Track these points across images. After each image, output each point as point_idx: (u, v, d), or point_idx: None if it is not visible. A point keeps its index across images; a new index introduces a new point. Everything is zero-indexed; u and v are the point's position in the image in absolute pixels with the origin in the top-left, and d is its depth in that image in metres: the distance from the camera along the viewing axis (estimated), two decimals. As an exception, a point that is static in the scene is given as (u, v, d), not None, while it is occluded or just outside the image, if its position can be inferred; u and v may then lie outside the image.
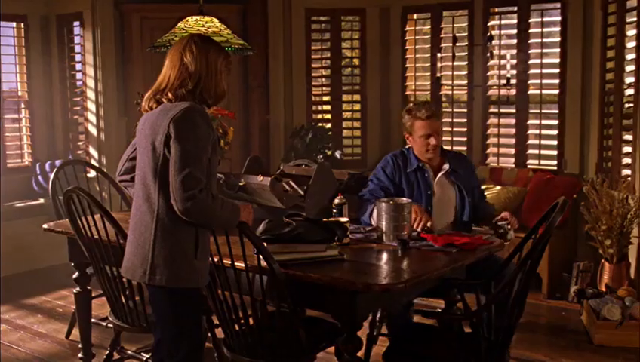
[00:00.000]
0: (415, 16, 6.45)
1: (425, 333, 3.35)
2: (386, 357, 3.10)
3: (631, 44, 5.03)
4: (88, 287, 3.91)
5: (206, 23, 3.63)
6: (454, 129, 6.30)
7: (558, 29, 5.75)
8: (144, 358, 3.68)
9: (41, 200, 6.45)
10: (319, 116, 6.78)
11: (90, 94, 6.51)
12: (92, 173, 5.58)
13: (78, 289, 3.91)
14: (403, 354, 3.11)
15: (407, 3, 6.41)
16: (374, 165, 6.71)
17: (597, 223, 4.90)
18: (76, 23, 6.56)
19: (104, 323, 4.31)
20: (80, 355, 3.94)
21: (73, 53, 6.68)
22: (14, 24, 6.57)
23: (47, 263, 6.12)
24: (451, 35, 6.11)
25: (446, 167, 3.85)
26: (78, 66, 6.64)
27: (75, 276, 3.90)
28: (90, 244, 3.42)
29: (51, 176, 4.60)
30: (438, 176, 3.85)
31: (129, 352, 3.77)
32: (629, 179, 5.03)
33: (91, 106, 6.53)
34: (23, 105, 6.70)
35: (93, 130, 6.55)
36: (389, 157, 3.95)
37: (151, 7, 6.47)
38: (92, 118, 6.53)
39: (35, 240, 5.94)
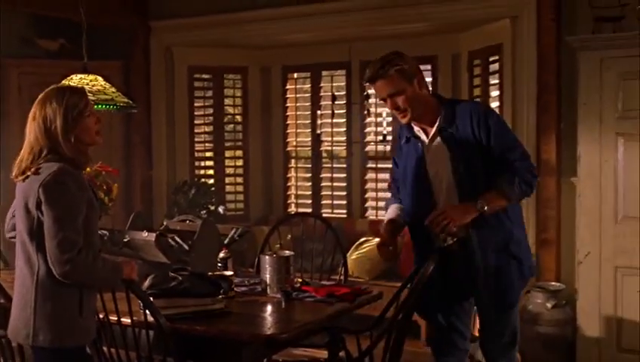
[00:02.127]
0: (295, 75, 6.69)
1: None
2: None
3: (494, 104, 5.43)
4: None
5: (90, 81, 3.69)
6: (334, 184, 6.53)
7: (429, 87, 6.11)
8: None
9: None
10: (202, 172, 6.84)
11: (-36, 150, 6.33)
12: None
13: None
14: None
15: (288, 62, 6.63)
16: (258, 220, 6.88)
17: (469, 272, 5.18)
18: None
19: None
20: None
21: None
22: None
23: None
24: (330, 93, 6.36)
25: (438, 124, 3.05)
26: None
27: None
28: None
29: None
30: (429, 143, 3.09)
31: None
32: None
33: (-35, 163, 6.34)
34: None
35: None
36: (398, 130, 3.36)
37: (31, 62, 6.41)
38: (-34, 174, 6.34)
39: None
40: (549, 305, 4.61)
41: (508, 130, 3.15)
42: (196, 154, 6.80)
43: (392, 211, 3.26)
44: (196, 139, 6.77)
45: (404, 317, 2.97)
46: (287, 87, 6.69)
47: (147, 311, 2.79)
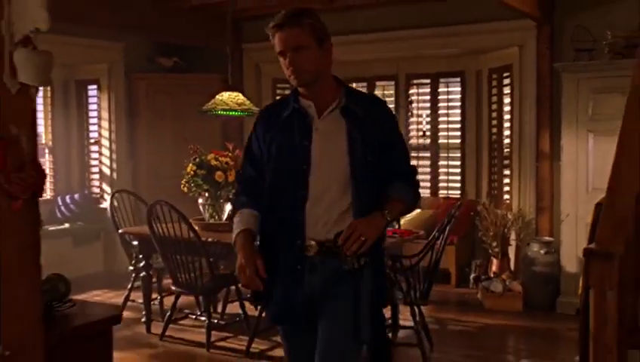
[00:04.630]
0: (354, 84, 8.59)
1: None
2: None
3: (507, 108, 7.31)
4: (150, 272, 5.79)
5: (235, 96, 5.61)
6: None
7: (458, 95, 8.00)
8: (194, 316, 5.62)
9: (66, 225, 8.18)
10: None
11: (105, 142, 8.36)
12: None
13: (144, 273, 5.77)
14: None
15: (349, 75, 8.52)
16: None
17: (487, 231, 7.06)
18: (93, 87, 8.41)
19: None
20: (143, 319, 5.81)
21: (88, 110, 8.51)
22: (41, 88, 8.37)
23: (79, 273, 7.87)
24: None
25: (338, 101, 2.60)
26: (93, 120, 8.47)
27: (141, 264, 5.77)
28: (162, 239, 5.32)
29: (109, 199, 6.47)
30: (324, 114, 2.60)
31: (185, 311, 5.68)
32: (508, 201, 7.26)
33: (105, 151, 8.37)
34: (47, 151, 8.47)
35: (106, 170, 8.39)
36: (261, 111, 2.83)
37: (153, 75, 8.42)
38: (106, 160, 8.37)
39: (66, 255, 7.67)
40: (542, 252, 6.48)
41: (402, 138, 2.79)
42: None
43: (248, 222, 2.64)
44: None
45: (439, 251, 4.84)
46: (348, 93, 8.60)
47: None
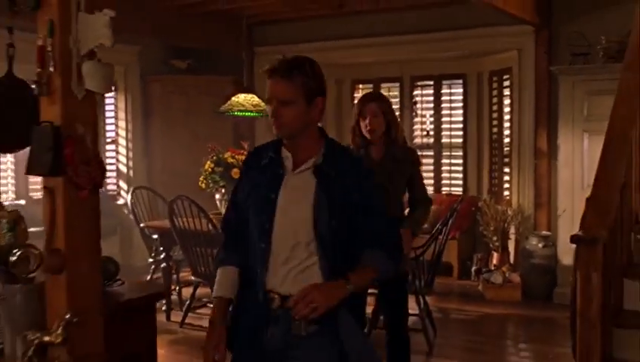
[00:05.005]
0: (361, 86, 8.96)
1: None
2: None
3: (507, 109, 7.67)
4: (170, 263, 6.16)
5: (251, 97, 5.97)
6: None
7: (460, 97, 8.35)
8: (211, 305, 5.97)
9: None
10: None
11: (122, 141, 8.72)
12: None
13: (164, 264, 6.13)
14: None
15: (355, 77, 8.91)
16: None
17: (488, 226, 7.41)
18: (110, 89, 8.74)
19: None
20: (164, 308, 6.17)
21: (105, 110, 8.86)
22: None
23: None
24: (387, 100, 8.61)
25: (314, 159, 2.48)
26: (110, 120, 8.81)
27: (162, 256, 6.13)
28: (182, 232, 5.68)
29: (128, 195, 6.84)
30: (297, 170, 2.49)
31: (203, 300, 6.05)
32: (508, 197, 7.61)
33: (122, 150, 8.73)
34: (66, 150, 8.80)
35: (123, 168, 8.75)
36: (249, 152, 2.81)
37: (167, 77, 8.77)
38: (122, 159, 8.74)
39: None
40: (540, 246, 6.84)
41: (380, 200, 2.61)
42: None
43: (221, 286, 2.58)
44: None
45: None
46: (355, 95, 8.97)
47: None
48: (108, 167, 8.85)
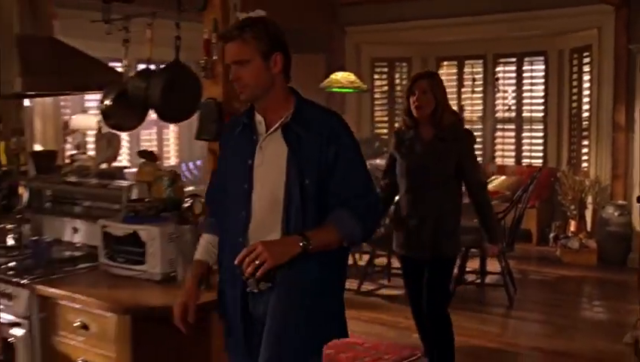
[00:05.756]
0: (445, 63, 9.46)
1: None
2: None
3: (586, 85, 8.07)
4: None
5: (348, 75, 6.59)
6: (473, 139, 9.30)
7: (542, 73, 8.77)
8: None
9: (191, 188, 9.33)
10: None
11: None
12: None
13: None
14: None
15: (440, 54, 9.40)
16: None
17: (566, 196, 7.85)
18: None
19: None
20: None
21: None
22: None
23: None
24: (471, 76, 9.12)
25: (283, 119, 2.41)
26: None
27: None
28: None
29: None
30: (268, 133, 2.43)
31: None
32: (586, 169, 8.04)
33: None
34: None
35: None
36: (225, 124, 2.99)
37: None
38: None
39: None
40: (616, 214, 7.27)
41: (358, 158, 2.47)
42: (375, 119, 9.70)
43: (202, 250, 2.64)
44: (375, 109, 9.66)
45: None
46: (440, 71, 9.47)
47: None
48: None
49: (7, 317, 3.24)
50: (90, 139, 6.95)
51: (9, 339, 3.23)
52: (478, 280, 6.21)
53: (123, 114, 3.56)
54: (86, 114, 6.72)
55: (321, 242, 2.35)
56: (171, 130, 9.62)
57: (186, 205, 3.19)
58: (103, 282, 3.23)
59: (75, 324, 3.00)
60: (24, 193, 3.96)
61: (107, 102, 3.53)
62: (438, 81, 3.98)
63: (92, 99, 7.09)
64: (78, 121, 6.47)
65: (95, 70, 3.71)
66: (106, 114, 3.57)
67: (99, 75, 3.69)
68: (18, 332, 3.20)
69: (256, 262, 2.25)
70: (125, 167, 5.35)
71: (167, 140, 9.35)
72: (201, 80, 3.17)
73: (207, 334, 2.93)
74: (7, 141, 4.00)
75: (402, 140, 3.95)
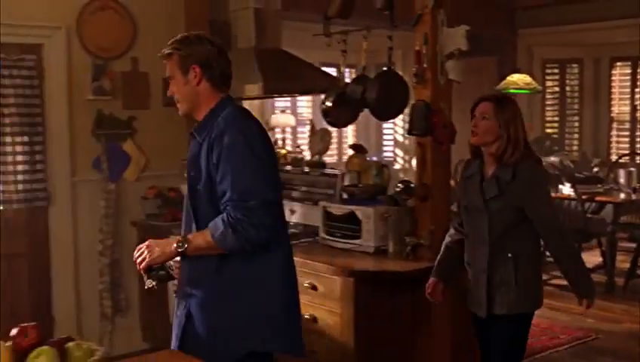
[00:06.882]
0: (619, 63, 9.56)
1: None
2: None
3: None
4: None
5: (524, 77, 6.99)
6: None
7: None
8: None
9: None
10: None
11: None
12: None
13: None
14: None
15: (613, 55, 9.50)
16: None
17: None
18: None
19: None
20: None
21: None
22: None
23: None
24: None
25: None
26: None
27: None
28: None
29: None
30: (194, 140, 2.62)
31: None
32: None
33: (399, 122, 10.07)
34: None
35: (399, 138, 10.09)
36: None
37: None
38: (399, 130, 10.09)
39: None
40: None
41: (241, 159, 2.45)
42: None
43: None
44: (547, 109, 9.91)
45: None
46: (612, 72, 9.58)
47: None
48: (384, 137, 10.29)
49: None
50: (289, 136, 7.82)
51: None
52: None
53: (339, 113, 4.23)
54: (284, 113, 7.55)
55: (198, 245, 2.47)
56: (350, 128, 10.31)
57: (398, 189, 3.81)
58: (324, 252, 3.93)
59: (304, 285, 3.67)
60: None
61: (328, 103, 4.21)
62: (510, 108, 3.15)
63: (282, 99, 7.93)
64: (277, 119, 7.30)
65: (317, 76, 4.45)
66: (325, 112, 4.25)
67: (320, 80, 4.41)
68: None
69: (139, 259, 2.49)
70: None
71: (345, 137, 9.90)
72: (412, 85, 3.76)
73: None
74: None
75: (466, 171, 3.29)
